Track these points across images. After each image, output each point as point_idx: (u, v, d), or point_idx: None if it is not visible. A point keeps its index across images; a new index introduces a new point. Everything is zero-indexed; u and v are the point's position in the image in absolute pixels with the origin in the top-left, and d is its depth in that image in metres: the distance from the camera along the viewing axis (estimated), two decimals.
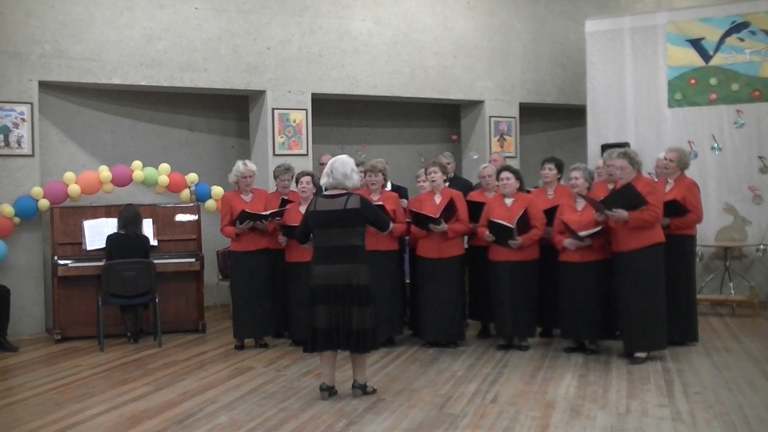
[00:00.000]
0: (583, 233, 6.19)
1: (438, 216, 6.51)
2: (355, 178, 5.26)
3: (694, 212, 6.57)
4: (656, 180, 7.14)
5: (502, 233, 6.47)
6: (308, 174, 6.92)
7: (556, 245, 6.46)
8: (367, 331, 5.13)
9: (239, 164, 6.98)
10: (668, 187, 6.65)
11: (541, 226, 6.53)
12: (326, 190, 5.29)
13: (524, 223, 6.45)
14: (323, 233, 5.20)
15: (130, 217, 7.40)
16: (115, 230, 7.44)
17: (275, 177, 7.39)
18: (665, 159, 6.75)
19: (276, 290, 7.25)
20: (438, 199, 6.75)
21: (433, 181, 6.79)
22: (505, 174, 6.70)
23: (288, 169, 7.33)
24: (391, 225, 5.44)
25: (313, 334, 5.21)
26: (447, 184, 7.13)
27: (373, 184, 6.81)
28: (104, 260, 7.27)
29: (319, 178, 7.58)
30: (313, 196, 5.66)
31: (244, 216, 6.71)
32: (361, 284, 5.13)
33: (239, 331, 7.01)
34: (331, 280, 5.13)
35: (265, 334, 7.09)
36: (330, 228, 5.16)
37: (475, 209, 6.82)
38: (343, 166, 5.20)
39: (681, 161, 6.70)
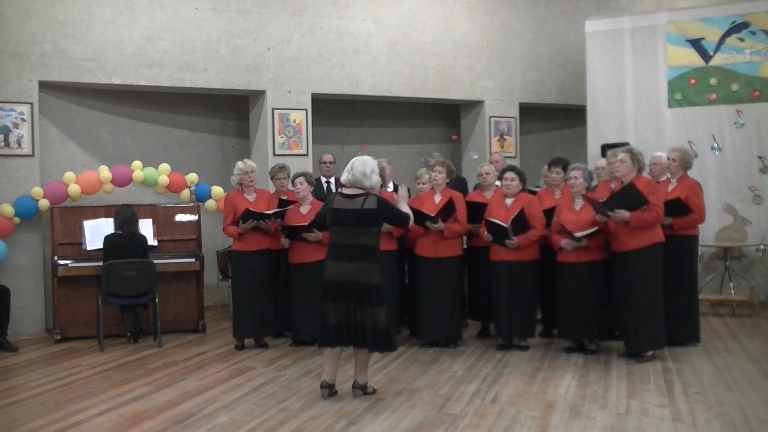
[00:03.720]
0: (579, 234, 6.19)
1: (435, 215, 6.52)
2: (374, 179, 5.24)
3: (697, 212, 6.57)
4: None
5: (498, 233, 6.47)
6: (301, 174, 6.91)
7: (553, 245, 6.47)
8: (387, 331, 5.15)
9: (239, 163, 7.02)
10: (671, 187, 6.65)
11: (540, 227, 6.53)
12: (344, 187, 5.28)
13: (522, 223, 6.44)
14: (339, 231, 5.22)
15: (126, 216, 7.40)
16: (113, 231, 7.45)
17: (271, 177, 7.39)
18: (668, 159, 6.73)
19: (277, 290, 7.27)
20: (438, 198, 6.76)
21: (435, 180, 6.79)
22: (510, 174, 6.68)
23: (283, 167, 7.33)
24: (411, 219, 5.43)
25: (323, 330, 5.23)
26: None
27: None
28: (102, 260, 7.27)
29: (316, 179, 7.63)
30: (327, 193, 5.67)
31: (248, 215, 6.71)
32: (373, 284, 5.13)
33: (238, 331, 7.01)
34: (342, 277, 5.14)
35: (265, 334, 7.08)
36: (346, 227, 5.17)
37: (475, 210, 6.82)
38: (363, 165, 5.20)
39: (684, 161, 6.69)
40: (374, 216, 5.16)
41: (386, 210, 5.24)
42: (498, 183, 7.00)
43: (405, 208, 5.41)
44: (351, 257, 5.15)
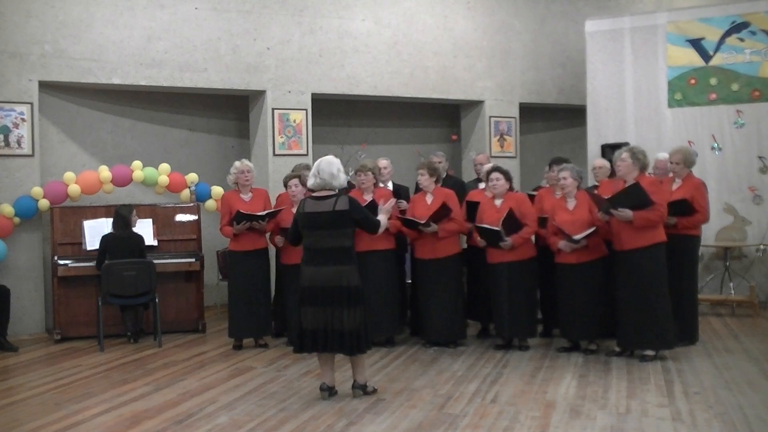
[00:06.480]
0: (577, 236, 6.19)
1: (425, 221, 6.50)
2: (341, 178, 5.21)
3: (701, 212, 6.56)
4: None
5: (491, 236, 6.46)
6: (295, 176, 6.89)
7: (551, 247, 6.46)
8: (359, 332, 5.13)
9: (236, 162, 7.03)
10: (675, 186, 6.63)
11: (532, 223, 6.52)
12: (314, 191, 5.25)
13: (513, 222, 6.43)
14: (312, 235, 5.18)
15: (118, 216, 7.36)
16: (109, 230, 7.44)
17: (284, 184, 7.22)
18: (672, 163, 6.71)
19: (276, 290, 7.26)
20: (430, 199, 6.75)
21: (419, 182, 6.79)
22: (495, 175, 6.66)
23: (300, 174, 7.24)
24: (381, 228, 5.39)
25: (300, 335, 5.22)
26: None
27: (363, 183, 6.78)
28: (96, 260, 7.25)
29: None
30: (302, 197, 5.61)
31: (239, 217, 6.71)
32: (351, 285, 5.12)
33: (234, 331, 7.00)
34: (320, 281, 5.12)
35: (261, 334, 7.07)
36: (319, 230, 5.14)
37: (475, 210, 6.80)
38: (329, 166, 5.16)
39: (686, 161, 6.67)
40: (346, 217, 5.13)
41: (357, 212, 5.20)
42: (482, 185, 7.00)
43: (382, 218, 5.34)
44: (327, 261, 5.12)
